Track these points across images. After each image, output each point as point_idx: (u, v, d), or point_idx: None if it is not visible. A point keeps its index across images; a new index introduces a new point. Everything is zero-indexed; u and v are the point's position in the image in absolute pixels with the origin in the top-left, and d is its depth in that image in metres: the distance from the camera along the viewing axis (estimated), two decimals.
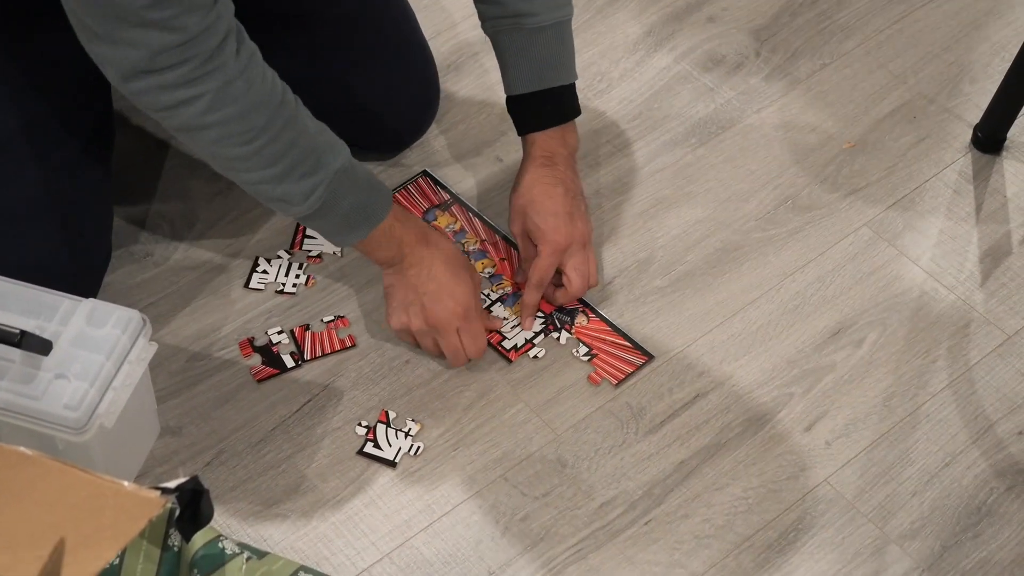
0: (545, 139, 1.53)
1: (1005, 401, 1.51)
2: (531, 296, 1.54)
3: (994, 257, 1.63)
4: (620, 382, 1.51)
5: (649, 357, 1.53)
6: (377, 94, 1.63)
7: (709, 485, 1.44)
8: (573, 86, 1.54)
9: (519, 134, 1.55)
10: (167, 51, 1.23)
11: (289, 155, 1.33)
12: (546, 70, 1.51)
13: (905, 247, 1.64)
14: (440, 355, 1.50)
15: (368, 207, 1.41)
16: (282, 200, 1.36)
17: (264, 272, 1.59)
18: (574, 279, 1.52)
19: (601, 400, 1.50)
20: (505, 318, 1.55)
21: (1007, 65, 1.68)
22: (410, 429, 1.46)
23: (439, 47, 1.79)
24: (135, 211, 1.64)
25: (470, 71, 1.79)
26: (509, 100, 1.54)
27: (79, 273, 1.47)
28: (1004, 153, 1.73)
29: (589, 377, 1.51)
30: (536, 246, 1.52)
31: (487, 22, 1.52)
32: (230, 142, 1.31)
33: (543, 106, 1.53)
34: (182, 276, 1.59)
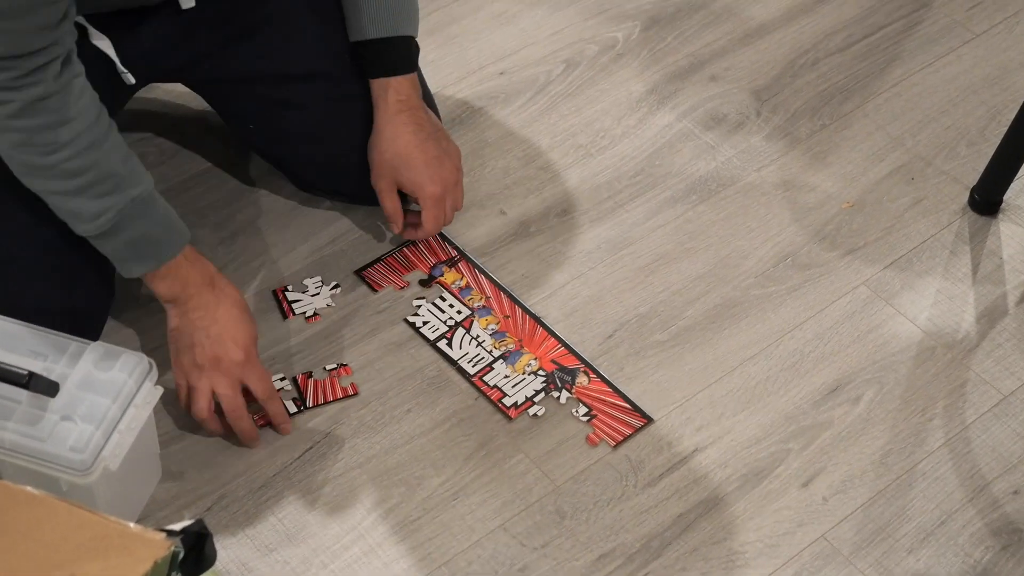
0: (400, 83, 1.59)
1: (1001, 461, 1.52)
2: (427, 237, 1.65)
3: (990, 318, 1.65)
4: (618, 444, 1.51)
5: (648, 420, 1.53)
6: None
7: (707, 539, 1.45)
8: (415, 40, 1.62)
9: (371, 77, 1.60)
10: None
11: (87, 174, 1.35)
12: (400, 18, 1.58)
13: (902, 306, 1.65)
14: (214, 418, 1.48)
15: (159, 242, 1.42)
16: (72, 214, 1.38)
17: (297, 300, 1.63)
18: (430, 224, 1.61)
19: (600, 453, 1.51)
20: (507, 375, 1.56)
21: (1003, 129, 1.71)
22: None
23: (441, 103, 1.81)
24: None
25: (472, 125, 1.81)
26: (363, 44, 1.59)
27: (81, 316, 1.47)
28: (1000, 215, 1.75)
29: (588, 438, 1.52)
30: (411, 196, 1.60)
31: None
32: (31, 150, 1.33)
33: (399, 51, 1.60)
34: None
